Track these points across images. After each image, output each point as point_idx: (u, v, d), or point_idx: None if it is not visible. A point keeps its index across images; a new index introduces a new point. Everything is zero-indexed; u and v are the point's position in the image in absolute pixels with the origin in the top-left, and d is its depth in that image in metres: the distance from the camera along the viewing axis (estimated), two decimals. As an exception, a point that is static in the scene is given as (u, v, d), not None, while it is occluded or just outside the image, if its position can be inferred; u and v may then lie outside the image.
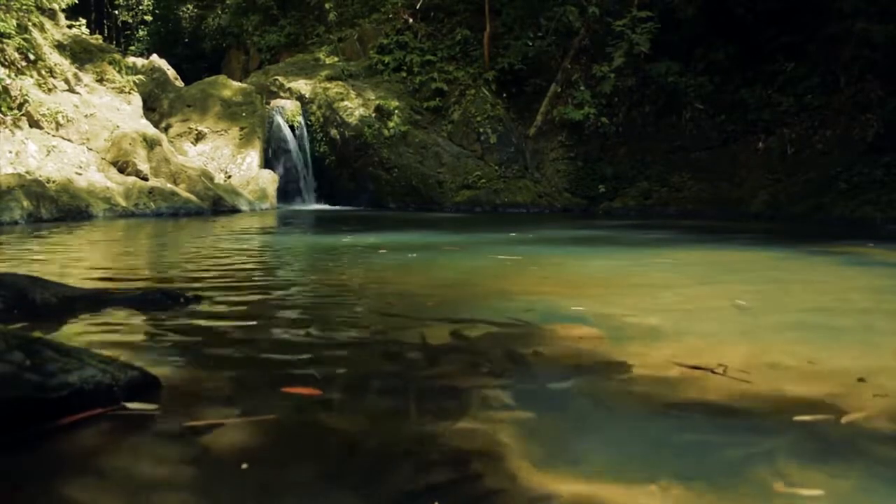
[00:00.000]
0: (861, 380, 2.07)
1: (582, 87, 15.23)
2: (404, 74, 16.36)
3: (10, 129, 10.76)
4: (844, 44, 12.90)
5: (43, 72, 11.99)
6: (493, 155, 15.06)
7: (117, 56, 14.63)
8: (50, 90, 11.94)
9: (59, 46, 13.08)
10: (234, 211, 12.30)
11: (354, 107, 15.22)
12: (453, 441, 1.58)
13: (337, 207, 14.63)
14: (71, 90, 12.39)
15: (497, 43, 16.23)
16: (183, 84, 16.19)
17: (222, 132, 14.53)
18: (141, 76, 15.09)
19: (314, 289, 4.11)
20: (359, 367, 2.25)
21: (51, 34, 13.13)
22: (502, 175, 14.78)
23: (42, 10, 13.14)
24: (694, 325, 2.94)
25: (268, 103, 15.46)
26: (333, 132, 15.23)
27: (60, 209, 9.84)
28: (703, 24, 14.41)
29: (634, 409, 1.85)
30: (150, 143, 12.26)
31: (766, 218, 12.04)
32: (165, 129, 14.22)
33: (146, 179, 11.80)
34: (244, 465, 1.42)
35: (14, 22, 11.62)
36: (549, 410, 1.83)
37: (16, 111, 10.99)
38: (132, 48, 24.66)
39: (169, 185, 11.87)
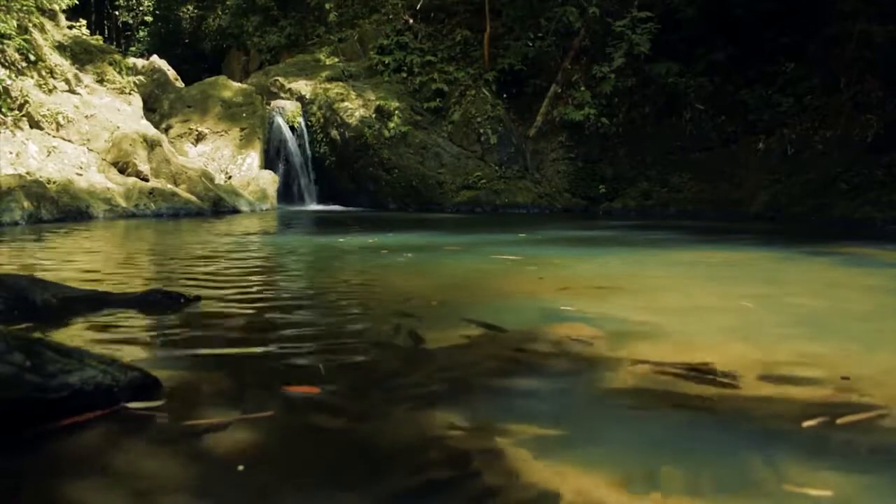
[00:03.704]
0: (845, 378, 2.08)
1: (582, 88, 15.23)
2: (404, 75, 16.36)
3: (11, 130, 10.77)
4: (844, 44, 12.90)
5: (43, 72, 12.00)
6: (494, 155, 15.07)
7: (118, 57, 14.63)
8: (50, 91, 11.95)
9: (60, 47, 13.09)
10: (235, 212, 12.30)
11: (355, 107, 15.22)
12: (453, 439, 1.59)
13: (337, 208, 14.63)
14: (71, 91, 12.40)
15: (497, 43, 16.23)
16: (183, 85, 16.20)
17: (223, 133, 14.54)
18: (141, 77, 15.11)
19: (315, 289, 4.11)
20: (359, 365, 2.26)
21: (51, 35, 13.13)
22: (502, 175, 14.78)
23: (42, 10, 13.14)
24: (693, 326, 2.94)
25: (268, 104, 15.46)
26: (334, 133, 15.24)
27: (61, 210, 9.84)
28: (703, 25, 14.40)
29: (634, 409, 1.86)
30: (151, 144, 12.27)
31: (766, 218, 12.04)
32: (166, 130, 14.23)
33: (146, 180, 11.81)
34: (245, 465, 1.42)
35: (14, 23, 11.63)
36: (548, 409, 1.84)
37: (16, 112, 11.00)
38: (132, 49, 24.70)
39: (169, 186, 11.88)
